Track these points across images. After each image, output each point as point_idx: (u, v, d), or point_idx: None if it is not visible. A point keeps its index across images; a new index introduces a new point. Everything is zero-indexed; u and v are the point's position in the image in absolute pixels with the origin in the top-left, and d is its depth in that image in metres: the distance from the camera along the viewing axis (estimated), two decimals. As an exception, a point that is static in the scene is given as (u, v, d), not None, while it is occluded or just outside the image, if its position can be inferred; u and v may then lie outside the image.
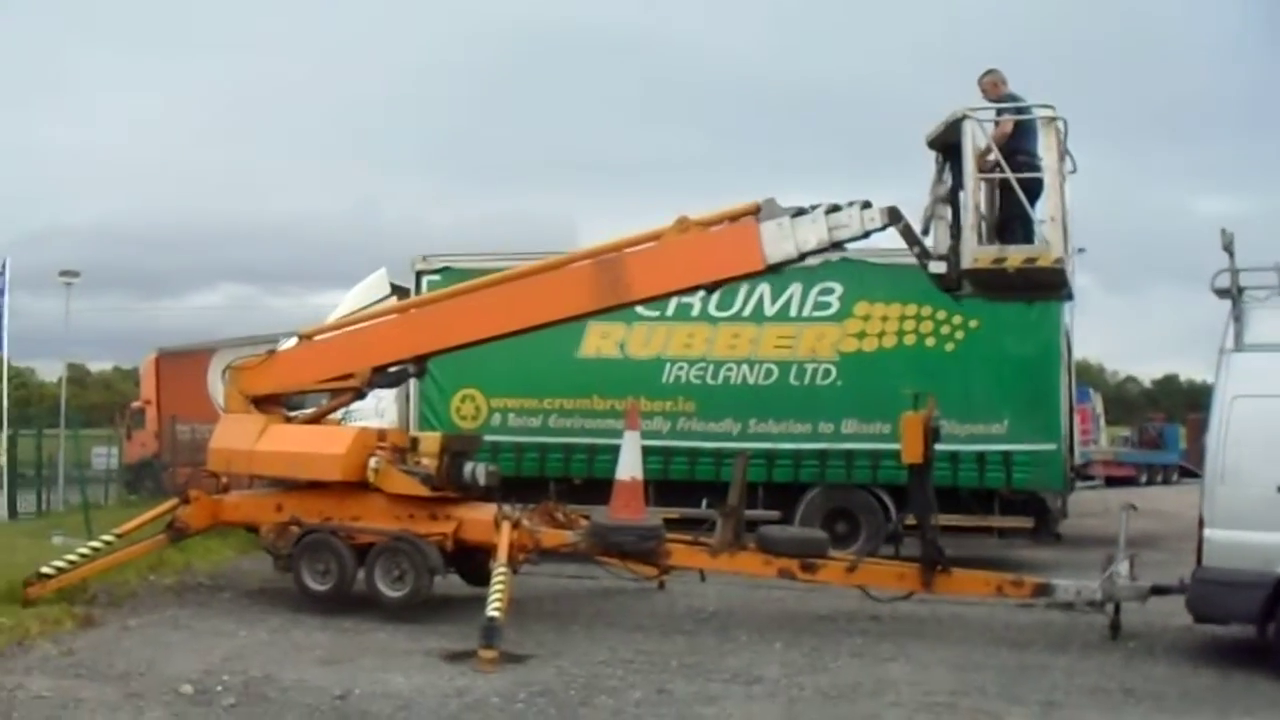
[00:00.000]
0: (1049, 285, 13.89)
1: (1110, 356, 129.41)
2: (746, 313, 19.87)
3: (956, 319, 18.90)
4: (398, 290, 21.82)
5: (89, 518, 21.30)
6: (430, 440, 15.34)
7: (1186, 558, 16.19)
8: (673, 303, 19.26)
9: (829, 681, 11.37)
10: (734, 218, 14.03)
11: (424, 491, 14.70)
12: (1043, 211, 12.90)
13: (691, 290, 15.61)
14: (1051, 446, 19.37)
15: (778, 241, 13.50)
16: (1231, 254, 12.91)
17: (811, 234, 13.45)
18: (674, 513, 17.43)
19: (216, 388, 31.34)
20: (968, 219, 12.91)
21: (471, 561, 15.01)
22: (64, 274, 34.79)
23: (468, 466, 15.09)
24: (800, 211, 13.57)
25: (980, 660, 12.47)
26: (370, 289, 22.31)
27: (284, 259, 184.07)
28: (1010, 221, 13.07)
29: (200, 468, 18.12)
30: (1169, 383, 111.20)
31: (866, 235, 13.57)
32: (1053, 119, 12.96)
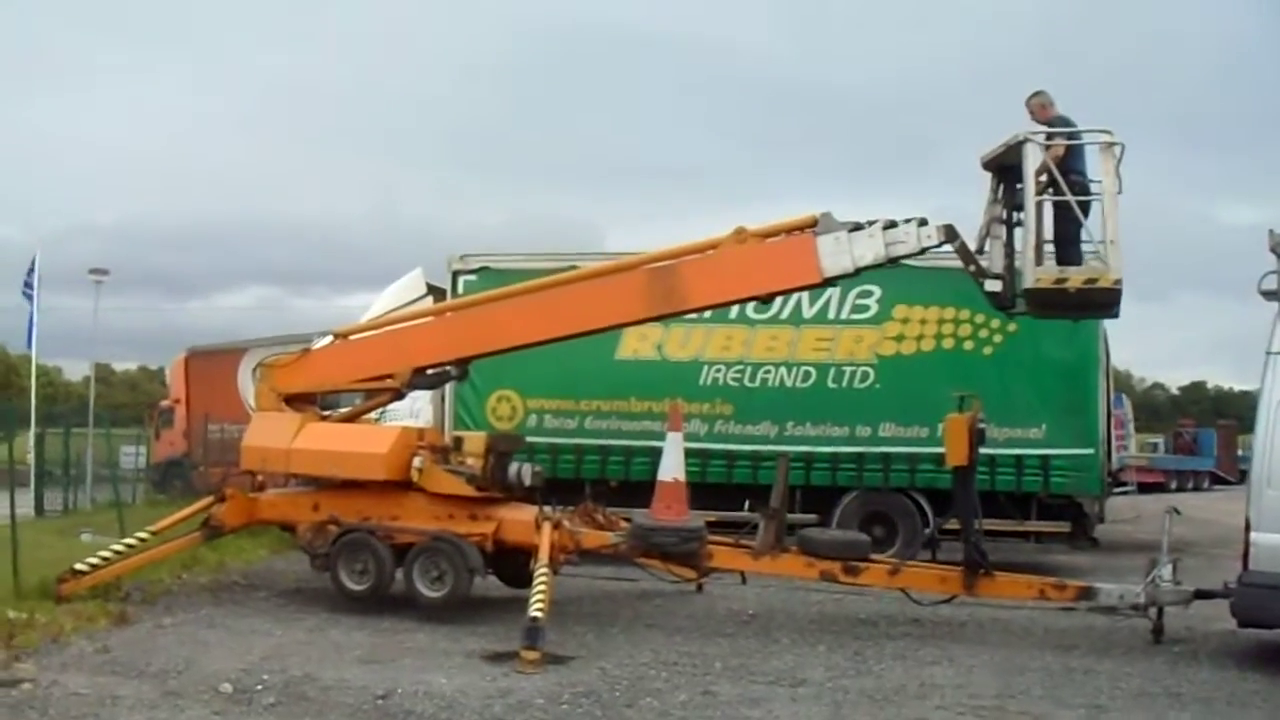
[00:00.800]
0: (1103, 305, 13.89)
1: (1137, 363, 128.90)
2: (784, 315, 19.72)
3: (995, 323, 18.78)
4: (434, 290, 21.75)
5: (121, 515, 21.19)
6: (475, 440, 15.28)
7: (1223, 563, 16.20)
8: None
9: (874, 684, 11.29)
10: (791, 230, 14.08)
11: (469, 491, 14.62)
12: (1099, 233, 12.94)
13: (746, 301, 15.55)
14: (1089, 451, 19.30)
15: (835, 255, 13.56)
16: (1279, 256, 12.82)
17: (869, 249, 13.53)
18: (711, 515, 17.32)
19: (247, 387, 31.32)
20: (1029, 240, 13.02)
21: (509, 563, 14.94)
22: (94, 272, 34.89)
23: (513, 467, 15.05)
24: (857, 226, 13.63)
25: (1024, 663, 12.38)
26: (406, 289, 22.23)
27: (310, 260, 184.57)
28: (1064, 242, 13.18)
29: (232, 467, 18.11)
30: (1196, 389, 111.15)
31: (922, 252, 13.66)
32: (1111, 144, 13.03)
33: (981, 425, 13.88)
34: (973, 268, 13.57)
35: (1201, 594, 13.33)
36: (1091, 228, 13.09)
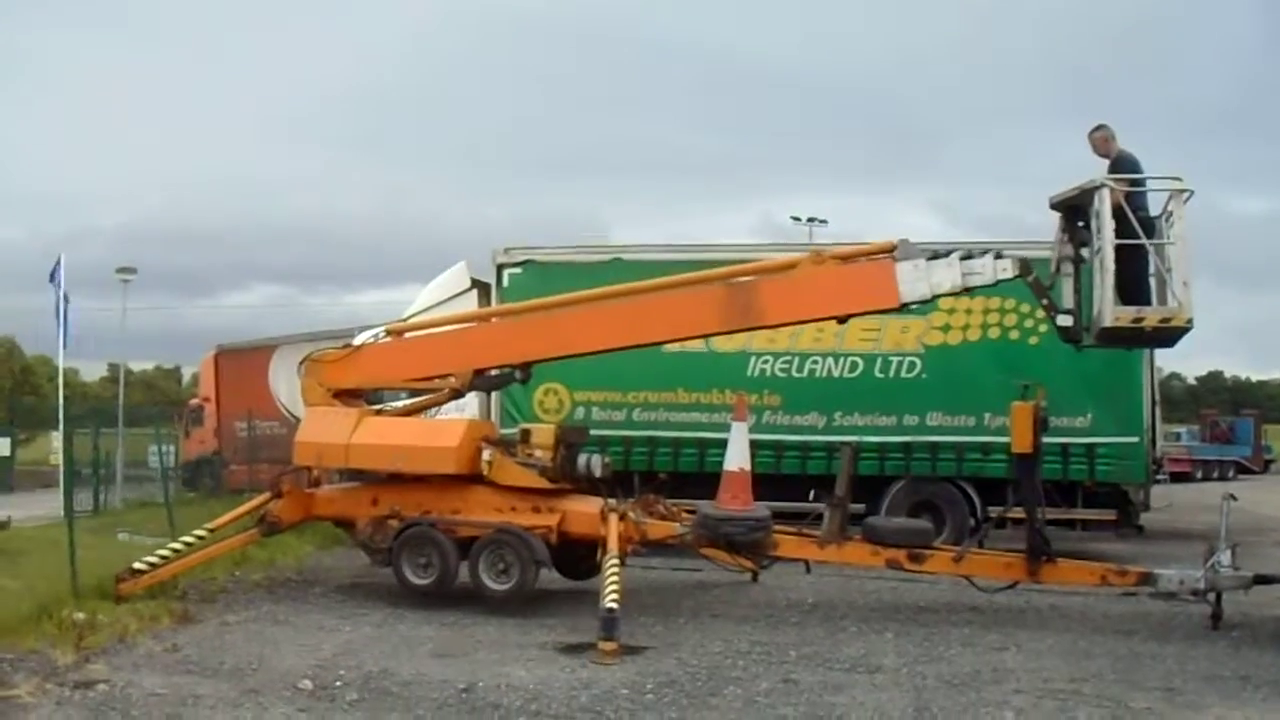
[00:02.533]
0: (1169, 340, 14.47)
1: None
2: (831, 304, 19.70)
3: (1040, 312, 18.77)
4: (477, 284, 21.75)
5: (171, 513, 21.22)
6: (544, 432, 15.31)
7: (1260, 550, 16.28)
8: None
9: (949, 670, 11.34)
10: (870, 254, 14.37)
11: (541, 483, 14.67)
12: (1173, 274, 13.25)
13: (822, 320, 15.82)
14: (1135, 439, 19.43)
15: (913, 282, 13.77)
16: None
17: (946, 278, 13.76)
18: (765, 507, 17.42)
19: (278, 384, 31.54)
20: (1108, 281, 13.19)
21: (569, 555, 14.95)
22: (120, 271, 34.95)
23: (582, 458, 15.13)
24: (934, 255, 13.90)
25: (1089, 649, 12.42)
26: (450, 283, 22.17)
27: (318, 259, 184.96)
28: (1131, 280, 13.44)
29: (273, 464, 18.13)
30: (1214, 379, 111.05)
31: (996, 284, 14.03)
32: (1181, 191, 13.40)
33: (1045, 413, 13.97)
34: (1045, 301, 13.98)
35: (1261, 579, 13.39)
36: (1156, 264, 13.48)
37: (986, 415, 18.98)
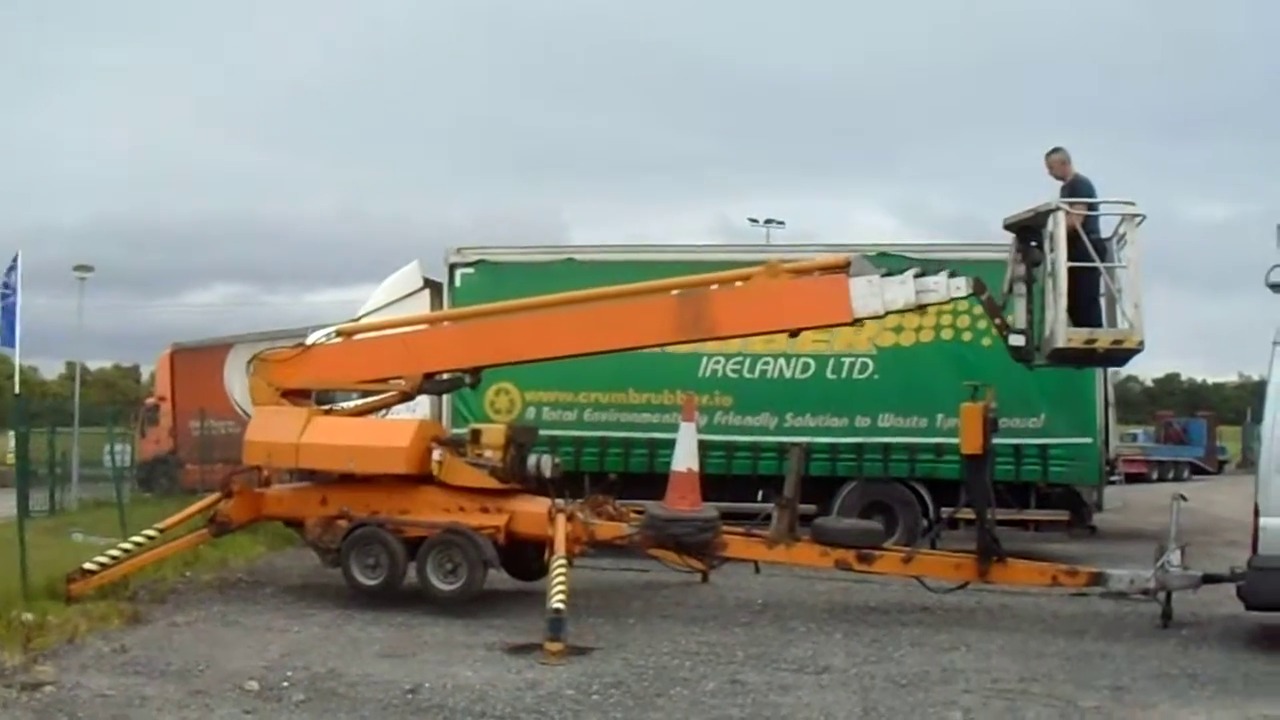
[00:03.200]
0: (1120, 360, 15.15)
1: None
2: (784, 307, 19.75)
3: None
4: (430, 284, 21.71)
5: (123, 514, 21.09)
6: (494, 432, 15.30)
7: (1212, 550, 16.45)
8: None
9: (897, 670, 11.35)
10: (824, 269, 14.54)
11: (491, 483, 14.66)
12: (1125, 297, 13.73)
13: (774, 333, 15.89)
14: (1088, 440, 19.54)
15: (866, 298, 13.92)
16: (1286, 248, 13.15)
17: (899, 295, 13.92)
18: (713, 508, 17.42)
19: (233, 383, 31.38)
20: (1060, 302, 13.49)
21: (517, 555, 14.92)
22: (78, 269, 34.64)
23: (532, 458, 15.13)
24: (889, 272, 14.08)
25: (1039, 648, 12.48)
26: (403, 282, 22.15)
27: (278, 258, 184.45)
28: (1083, 301, 13.78)
29: (227, 463, 18.05)
30: (1170, 381, 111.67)
31: (950, 301, 14.33)
32: (1134, 215, 13.85)
33: (995, 414, 14.04)
34: (998, 320, 14.22)
35: (1210, 578, 13.45)
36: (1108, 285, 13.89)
37: (939, 416, 18.99)
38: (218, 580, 16.35)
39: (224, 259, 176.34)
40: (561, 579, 12.50)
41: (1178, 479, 48.80)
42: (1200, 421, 58.13)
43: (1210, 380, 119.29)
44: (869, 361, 19.80)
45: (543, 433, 18.63)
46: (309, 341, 17.05)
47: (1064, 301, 13.38)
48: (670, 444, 15.08)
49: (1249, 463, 54.03)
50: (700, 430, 18.39)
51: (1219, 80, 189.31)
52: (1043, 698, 10.32)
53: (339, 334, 16.56)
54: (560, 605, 12.07)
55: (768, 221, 62.06)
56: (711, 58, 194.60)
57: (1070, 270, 13.50)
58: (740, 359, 20.08)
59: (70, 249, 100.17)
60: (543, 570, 13.73)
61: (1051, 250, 13.57)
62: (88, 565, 14.54)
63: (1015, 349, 14.27)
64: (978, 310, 18.81)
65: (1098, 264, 13.68)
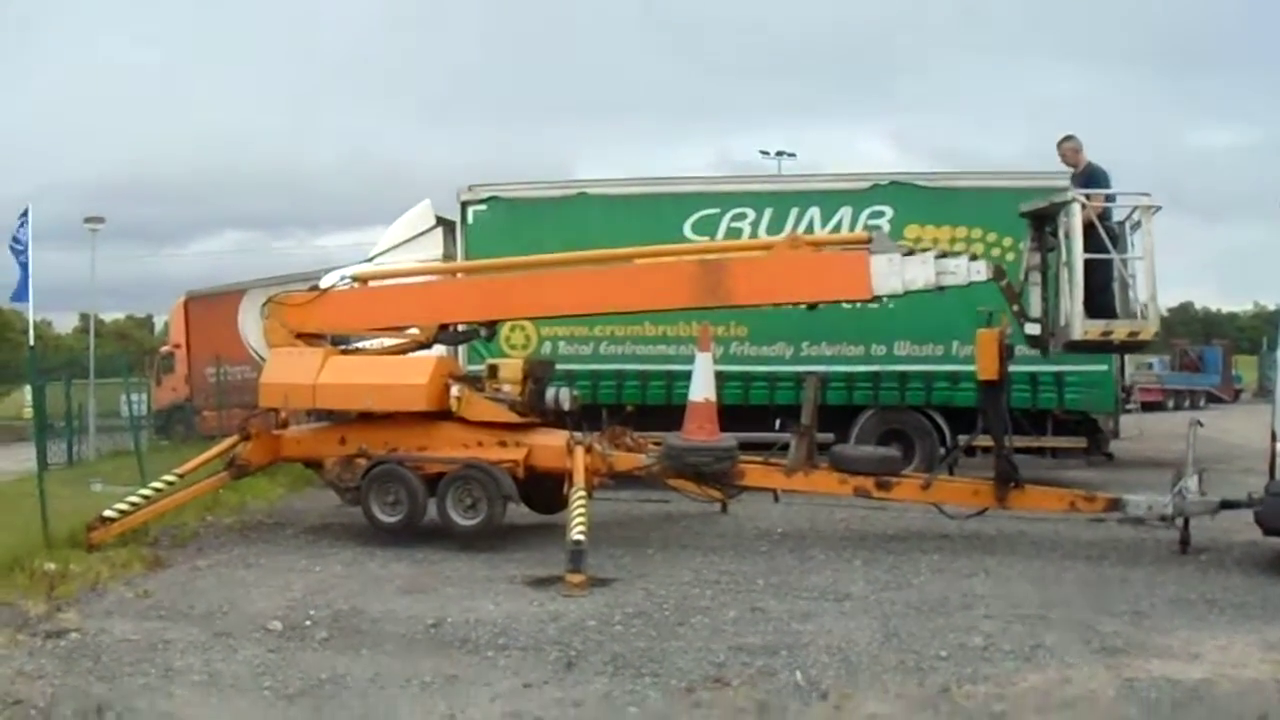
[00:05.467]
0: (1135, 349, 15.64)
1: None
2: (798, 237, 19.68)
3: (1007, 241, 18.83)
4: (442, 222, 21.65)
5: (142, 461, 21.14)
6: (511, 367, 15.33)
7: (1229, 478, 16.39)
8: (723, 226, 19.60)
9: (917, 597, 11.39)
10: (845, 244, 14.87)
11: (511, 418, 14.68)
12: (1141, 289, 13.89)
13: (792, 304, 15.78)
14: (1103, 368, 19.47)
15: (886, 276, 13.88)
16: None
17: (919, 274, 13.87)
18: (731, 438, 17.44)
19: (248, 329, 31.33)
20: (1076, 294, 13.48)
21: (537, 489, 14.94)
22: (89, 220, 34.35)
23: (550, 391, 15.15)
24: (910, 251, 14.14)
25: (1058, 574, 12.53)
26: (415, 221, 22.11)
27: (284, 205, 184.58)
28: (1097, 289, 13.79)
29: (245, 408, 18.04)
30: (1184, 310, 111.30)
31: (969, 285, 14.06)
32: (1149, 206, 13.75)
33: (1010, 341, 13.98)
34: (1015, 307, 14.15)
35: (1227, 504, 13.44)
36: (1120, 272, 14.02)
37: (955, 344, 18.95)
38: (238, 523, 16.35)
39: (231, 207, 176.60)
40: (581, 511, 12.54)
41: (1194, 407, 48.48)
42: (1216, 350, 57.84)
43: (1225, 309, 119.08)
44: (884, 290, 19.66)
45: (559, 367, 18.66)
46: (323, 285, 17.02)
47: (1080, 294, 13.39)
48: (686, 375, 15.07)
49: (1265, 391, 54.07)
50: (716, 361, 18.44)
51: (1219, 9, 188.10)
52: (1062, 623, 10.32)
53: (356, 280, 16.51)
54: (580, 537, 12.09)
55: (779, 153, 61.67)
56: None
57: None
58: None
59: (76, 205, 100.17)
60: (562, 504, 13.72)
61: (1067, 243, 13.58)
62: (108, 513, 14.48)
63: (1031, 338, 14.40)
64: (991, 237, 18.98)
65: (1113, 255, 13.75)
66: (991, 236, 19.07)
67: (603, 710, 8.06)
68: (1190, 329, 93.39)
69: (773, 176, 34.59)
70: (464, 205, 20.86)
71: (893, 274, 13.83)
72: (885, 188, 19.49)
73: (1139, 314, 13.81)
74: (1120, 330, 13.71)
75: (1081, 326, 13.47)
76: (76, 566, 12.80)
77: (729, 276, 14.34)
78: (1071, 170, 15.27)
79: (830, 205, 19.59)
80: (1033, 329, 14.24)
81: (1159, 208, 13.80)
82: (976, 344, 13.97)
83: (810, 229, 19.38)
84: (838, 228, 19.48)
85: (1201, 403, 50.48)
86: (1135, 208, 13.97)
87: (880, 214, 19.53)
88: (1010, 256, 18.50)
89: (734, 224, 19.69)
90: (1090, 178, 14.56)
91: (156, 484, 15.32)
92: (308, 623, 10.51)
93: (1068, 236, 13.49)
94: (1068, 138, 15.01)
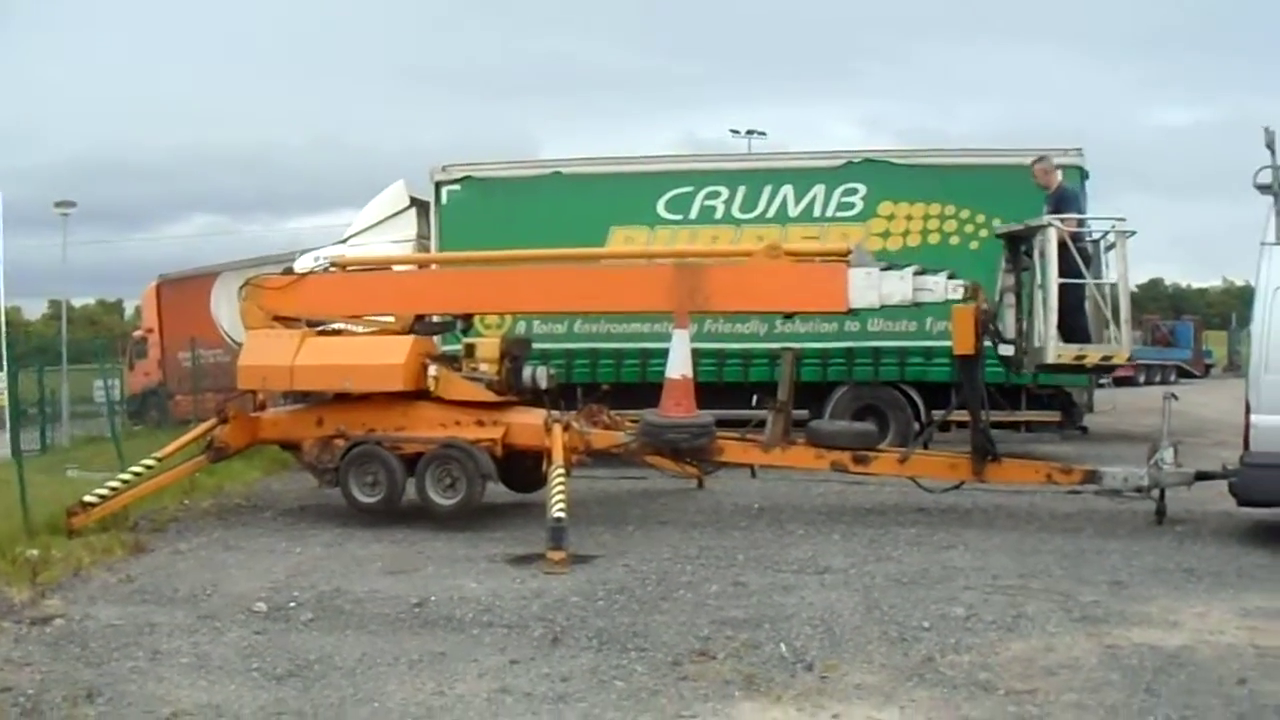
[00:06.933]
0: (1106, 372, 16.06)
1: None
2: (770, 214, 19.89)
3: (980, 218, 18.99)
4: (416, 202, 21.64)
5: (120, 446, 21.05)
6: (489, 346, 15.34)
7: (1200, 450, 16.54)
8: (696, 204, 19.60)
9: (897, 569, 11.49)
10: (824, 255, 14.88)
11: (489, 397, 14.68)
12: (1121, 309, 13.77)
13: (768, 313, 16.01)
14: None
15: (863, 290, 13.99)
16: (1273, 151, 13.17)
17: (896, 290, 14.01)
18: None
19: (220, 312, 31.22)
20: (1051, 319, 13.46)
21: (517, 468, 14.99)
22: (59, 205, 34.25)
23: (526, 370, 15.16)
24: (889, 266, 14.21)
25: (1036, 546, 12.63)
26: (389, 201, 22.11)
27: (251, 187, 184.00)
28: (1071, 309, 13.79)
29: (219, 391, 18.01)
30: (1154, 286, 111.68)
31: (946, 303, 14.21)
32: (1123, 232, 13.93)
33: (985, 315, 14.01)
34: (991, 328, 14.08)
35: (1203, 475, 13.58)
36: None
37: (928, 320, 18.97)
38: (216, 507, 16.35)
39: (199, 191, 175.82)
40: (561, 488, 12.57)
41: (1165, 382, 48.80)
42: (1187, 324, 58.32)
43: (1194, 285, 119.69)
44: (858, 266, 19.71)
45: (534, 346, 18.74)
46: (297, 268, 16.99)
47: (1054, 318, 13.41)
48: (661, 354, 15.07)
49: (1235, 366, 54.60)
50: (692, 339, 18.49)
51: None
52: (1042, 593, 10.45)
53: (334, 265, 16.49)
54: (561, 514, 12.16)
55: (749, 132, 61.37)
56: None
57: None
58: (730, 267, 19.97)
59: (42, 189, 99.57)
60: (540, 482, 13.84)
61: (1042, 266, 13.59)
62: (88, 498, 14.46)
63: (1005, 359, 14.45)
64: (964, 214, 19.05)
65: (1087, 280, 13.83)
66: (965, 213, 19.18)
67: (590, 685, 8.08)
68: (1160, 305, 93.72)
69: (745, 155, 34.52)
70: (438, 185, 20.83)
71: (870, 288, 13.92)
72: (859, 165, 19.54)
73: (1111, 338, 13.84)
74: (1093, 355, 13.79)
75: (1055, 351, 13.51)
76: (58, 552, 12.77)
77: (706, 282, 14.38)
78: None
79: (803, 183, 19.69)
80: (1006, 350, 14.29)
81: (1134, 232, 14.02)
82: (952, 318, 14.02)
83: (783, 207, 19.54)
84: (810, 205, 19.65)
85: (1172, 377, 50.79)
86: (1109, 231, 14.26)
87: (854, 190, 19.66)
88: (983, 233, 18.65)
89: (707, 202, 19.81)
90: (1061, 199, 14.59)
91: (135, 468, 15.33)
92: (292, 604, 10.53)
93: (1043, 258, 13.50)
94: (1040, 158, 15.05)
